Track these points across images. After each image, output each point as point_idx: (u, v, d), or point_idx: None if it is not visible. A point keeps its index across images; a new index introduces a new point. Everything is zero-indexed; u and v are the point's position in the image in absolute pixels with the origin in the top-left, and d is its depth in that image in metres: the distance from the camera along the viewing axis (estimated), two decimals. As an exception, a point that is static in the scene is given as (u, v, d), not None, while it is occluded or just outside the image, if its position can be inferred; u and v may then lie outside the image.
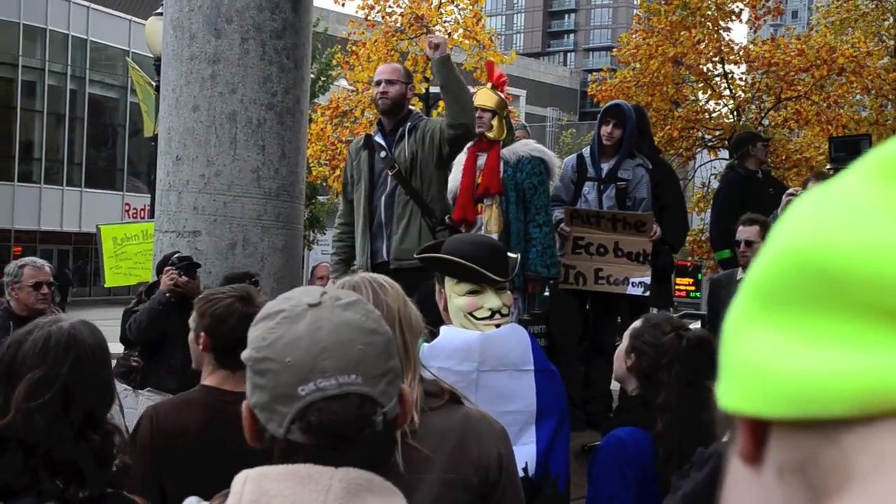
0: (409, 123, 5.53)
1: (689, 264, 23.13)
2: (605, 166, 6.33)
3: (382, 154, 5.54)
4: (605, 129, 6.27)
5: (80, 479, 2.06)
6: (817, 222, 0.53)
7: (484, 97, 6.00)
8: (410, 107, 5.74)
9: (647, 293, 6.11)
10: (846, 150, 7.39)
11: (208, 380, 3.02)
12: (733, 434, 0.59)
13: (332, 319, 1.32)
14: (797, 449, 0.53)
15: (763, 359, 0.54)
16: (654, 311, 7.19)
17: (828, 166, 8.01)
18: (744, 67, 19.69)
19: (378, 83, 5.55)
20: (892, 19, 20.85)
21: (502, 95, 6.06)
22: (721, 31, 19.06)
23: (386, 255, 5.49)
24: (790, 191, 6.50)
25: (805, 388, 0.51)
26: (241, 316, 2.98)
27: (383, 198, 5.55)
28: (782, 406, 0.52)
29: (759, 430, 0.56)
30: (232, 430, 2.92)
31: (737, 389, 0.56)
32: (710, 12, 18.86)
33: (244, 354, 1.36)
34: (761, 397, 0.54)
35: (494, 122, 5.90)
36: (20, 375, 2.09)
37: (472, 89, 5.96)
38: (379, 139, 5.60)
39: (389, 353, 1.35)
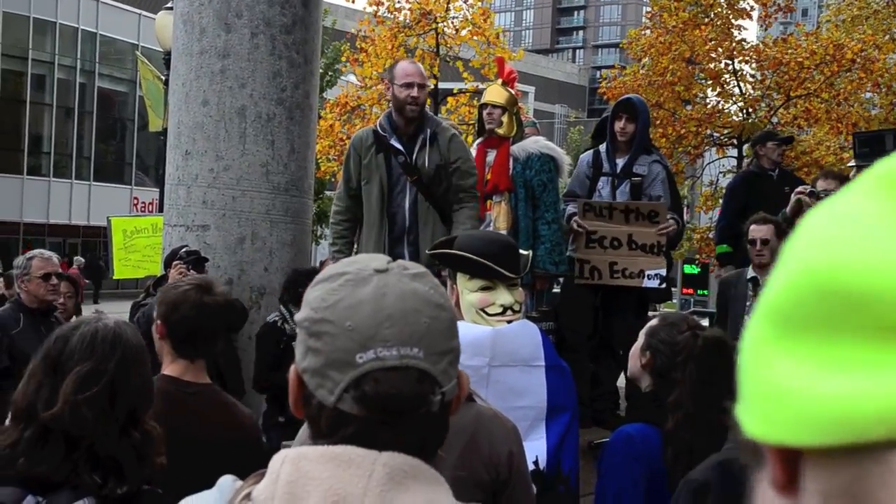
0: (428, 131, 5.36)
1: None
2: (620, 161, 6.28)
3: (401, 159, 5.37)
4: (619, 125, 6.21)
5: (119, 474, 2.06)
6: (831, 243, 0.52)
7: (495, 94, 5.99)
8: None
9: (664, 285, 6.09)
10: (870, 145, 7.31)
11: (168, 369, 3.04)
12: (761, 462, 0.58)
13: (399, 287, 1.24)
14: (840, 474, 0.52)
15: (790, 386, 0.53)
16: (658, 307, 7.18)
17: (851, 163, 7.95)
18: (754, 65, 19.66)
19: (410, 85, 5.29)
20: (902, 17, 20.77)
21: (512, 92, 6.06)
22: (732, 30, 19.04)
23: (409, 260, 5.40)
24: (798, 189, 6.47)
25: (839, 414, 0.50)
26: (195, 304, 3.00)
27: (406, 204, 5.40)
28: (816, 434, 0.52)
29: (791, 459, 0.55)
30: (192, 422, 2.92)
31: (764, 418, 0.56)
32: (721, 10, 18.84)
33: (299, 315, 1.27)
34: (792, 426, 0.53)
35: (504, 119, 5.90)
36: (67, 369, 2.10)
37: (481, 86, 5.97)
38: (396, 143, 5.38)
39: (453, 332, 1.28)
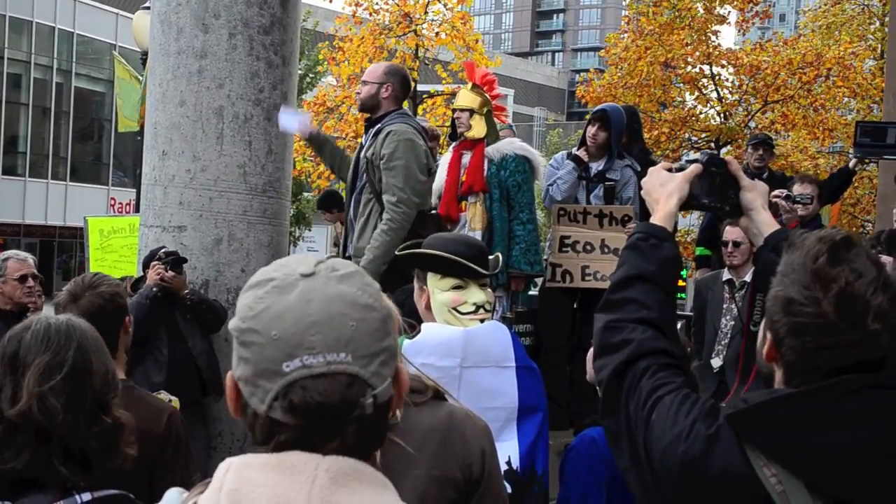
0: (378, 126, 5.59)
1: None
2: (594, 166, 6.41)
3: (362, 153, 5.66)
4: (591, 130, 6.37)
5: (86, 466, 2.06)
6: None
7: (462, 98, 6.11)
8: (403, 108, 5.83)
9: None
10: (871, 135, 7.38)
11: None
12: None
13: (324, 292, 1.24)
14: None
15: None
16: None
17: (850, 152, 8.04)
18: (731, 69, 19.78)
19: (360, 83, 5.78)
20: (878, 23, 20.97)
21: (486, 94, 6.11)
22: (709, 34, 19.14)
23: (351, 249, 5.62)
24: (775, 192, 6.52)
25: None
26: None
27: (355, 194, 5.70)
28: None
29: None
30: None
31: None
32: (698, 14, 18.94)
33: (230, 324, 1.27)
34: None
35: (473, 122, 5.97)
36: (26, 364, 2.10)
37: (455, 88, 6.08)
38: (363, 138, 5.74)
39: (385, 331, 1.27)
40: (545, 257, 6.36)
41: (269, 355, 1.21)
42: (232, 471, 1.19)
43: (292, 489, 1.15)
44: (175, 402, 3.63)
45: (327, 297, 1.23)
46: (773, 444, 1.57)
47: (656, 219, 2.06)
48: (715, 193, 2.13)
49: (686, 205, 2.10)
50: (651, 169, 2.17)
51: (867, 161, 11.83)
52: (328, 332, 1.21)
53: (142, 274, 5.47)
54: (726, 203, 2.15)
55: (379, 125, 5.56)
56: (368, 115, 5.74)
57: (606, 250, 6.14)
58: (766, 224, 2.14)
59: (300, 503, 1.14)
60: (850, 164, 7.87)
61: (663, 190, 2.09)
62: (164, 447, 2.99)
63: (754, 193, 2.14)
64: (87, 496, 2.04)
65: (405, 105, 6.03)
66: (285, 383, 1.20)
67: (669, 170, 2.14)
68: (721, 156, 2.19)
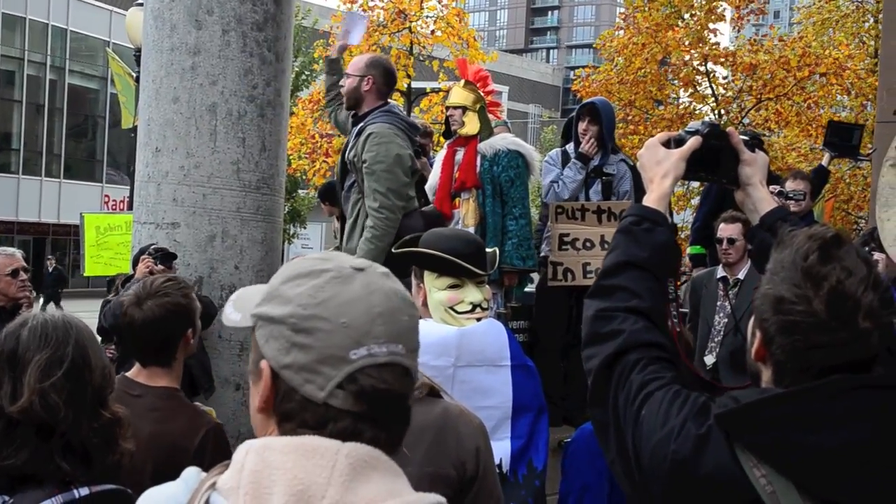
0: (360, 125, 5.45)
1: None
2: (591, 162, 6.38)
3: (346, 153, 5.58)
4: (582, 126, 6.35)
5: (86, 461, 2.07)
6: None
7: (454, 95, 6.09)
8: (391, 102, 5.67)
9: None
10: (840, 135, 7.46)
11: (131, 371, 3.14)
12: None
13: (382, 285, 1.29)
14: None
15: None
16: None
17: (821, 148, 8.06)
18: (728, 66, 19.82)
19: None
20: (872, 20, 21.00)
21: (479, 91, 6.10)
22: (706, 32, 19.18)
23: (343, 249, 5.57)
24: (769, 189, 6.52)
25: None
26: (124, 321, 3.12)
27: (344, 192, 5.65)
28: None
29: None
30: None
31: None
32: (696, 13, 18.97)
33: (279, 311, 1.27)
34: None
35: (466, 119, 5.96)
36: (26, 361, 2.10)
37: (451, 85, 6.01)
38: (349, 136, 5.60)
39: (418, 330, 1.34)
40: (543, 255, 6.35)
41: (336, 342, 1.24)
42: (252, 453, 1.21)
43: (313, 472, 1.17)
44: (211, 411, 3.52)
45: (387, 290, 1.28)
46: (762, 444, 1.55)
47: (650, 200, 2.00)
48: (713, 166, 2.08)
49: (683, 175, 2.05)
50: (648, 142, 2.11)
51: (861, 158, 11.86)
52: (390, 324, 1.26)
53: (133, 272, 5.46)
54: (724, 176, 2.11)
55: (361, 124, 5.45)
56: (354, 112, 5.61)
57: (606, 247, 6.13)
58: (763, 201, 2.10)
59: (320, 486, 1.16)
60: (824, 162, 7.85)
61: (659, 168, 2.04)
62: (199, 465, 2.92)
63: (753, 168, 2.10)
64: (84, 491, 2.04)
65: (400, 101, 5.98)
66: (351, 370, 1.23)
67: (668, 142, 2.07)
68: (722, 126, 2.15)
